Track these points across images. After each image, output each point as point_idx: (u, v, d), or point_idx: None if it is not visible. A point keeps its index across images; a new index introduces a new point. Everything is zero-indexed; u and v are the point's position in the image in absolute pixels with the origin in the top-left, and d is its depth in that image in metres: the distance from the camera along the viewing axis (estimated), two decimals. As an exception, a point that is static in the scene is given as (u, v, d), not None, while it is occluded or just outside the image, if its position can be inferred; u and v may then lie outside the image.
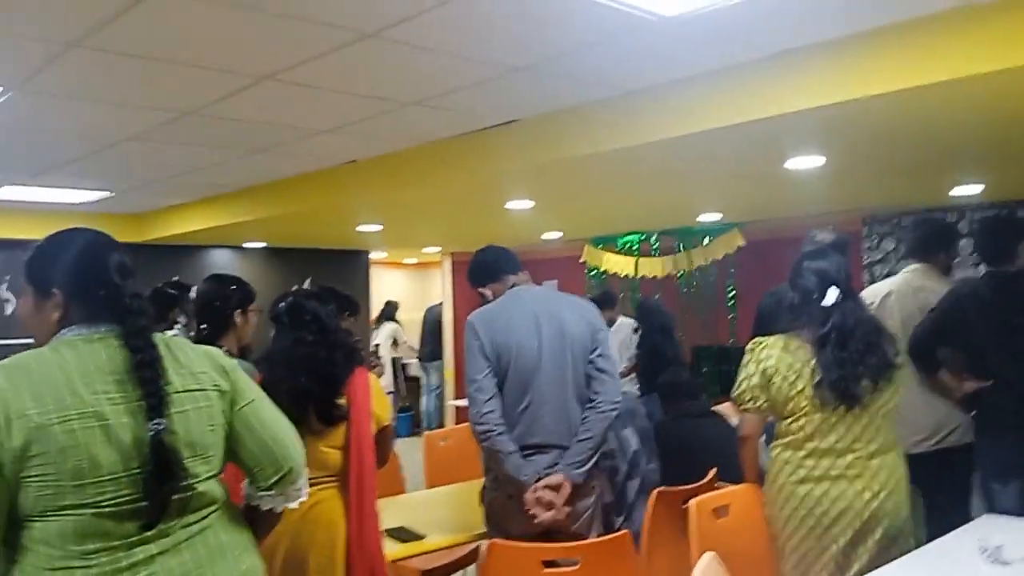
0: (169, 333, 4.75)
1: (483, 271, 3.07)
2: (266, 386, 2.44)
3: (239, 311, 2.95)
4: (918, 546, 2.63)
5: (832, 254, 2.82)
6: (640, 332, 6.16)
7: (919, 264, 3.71)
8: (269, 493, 1.76)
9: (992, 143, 3.87)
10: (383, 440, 2.73)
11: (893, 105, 2.91)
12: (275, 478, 1.74)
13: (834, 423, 2.62)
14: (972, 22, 2.50)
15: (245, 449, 1.72)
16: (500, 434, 2.75)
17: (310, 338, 2.61)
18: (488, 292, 3.03)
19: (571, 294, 3.09)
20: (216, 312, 2.95)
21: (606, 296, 6.72)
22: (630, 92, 3.42)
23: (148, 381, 1.54)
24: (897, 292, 3.64)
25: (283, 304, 2.71)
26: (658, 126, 3.39)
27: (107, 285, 1.62)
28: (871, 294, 3.71)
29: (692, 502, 2.67)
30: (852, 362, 2.60)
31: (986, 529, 2.58)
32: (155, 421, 1.51)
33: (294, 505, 1.81)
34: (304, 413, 2.50)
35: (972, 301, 3.31)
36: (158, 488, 1.51)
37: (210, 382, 1.66)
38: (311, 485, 2.46)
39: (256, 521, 1.79)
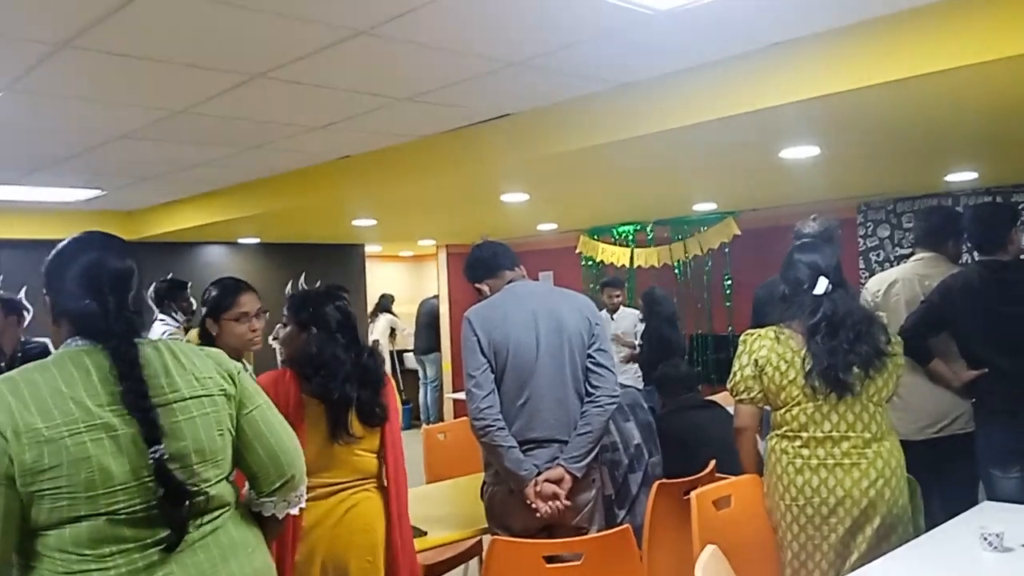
0: (163, 331, 4.79)
1: (479, 267, 3.07)
2: (314, 394, 2.45)
3: (211, 319, 2.88)
4: (917, 534, 2.65)
5: (823, 246, 2.83)
6: (645, 322, 6.18)
7: (927, 253, 3.71)
8: (271, 499, 1.76)
9: (985, 131, 3.88)
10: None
11: (886, 95, 2.91)
12: (278, 483, 1.75)
13: (827, 412, 2.64)
14: (964, 12, 2.50)
15: (253, 454, 1.72)
16: (499, 429, 2.76)
17: (349, 343, 2.57)
18: (485, 288, 3.03)
19: (567, 289, 3.09)
20: (202, 320, 2.92)
21: (617, 278, 6.99)
22: (625, 85, 3.42)
23: (138, 409, 1.51)
24: (903, 280, 3.64)
25: (325, 307, 2.60)
26: (652, 119, 3.38)
27: (104, 304, 1.59)
28: (877, 282, 3.72)
29: (693, 494, 2.68)
30: (842, 351, 2.61)
31: (987, 516, 2.59)
32: (152, 449, 1.50)
33: (295, 511, 1.81)
34: (347, 419, 2.48)
35: (962, 291, 3.32)
36: (173, 511, 1.53)
37: (216, 387, 1.66)
38: (344, 489, 2.49)
39: (260, 527, 1.79)
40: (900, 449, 2.72)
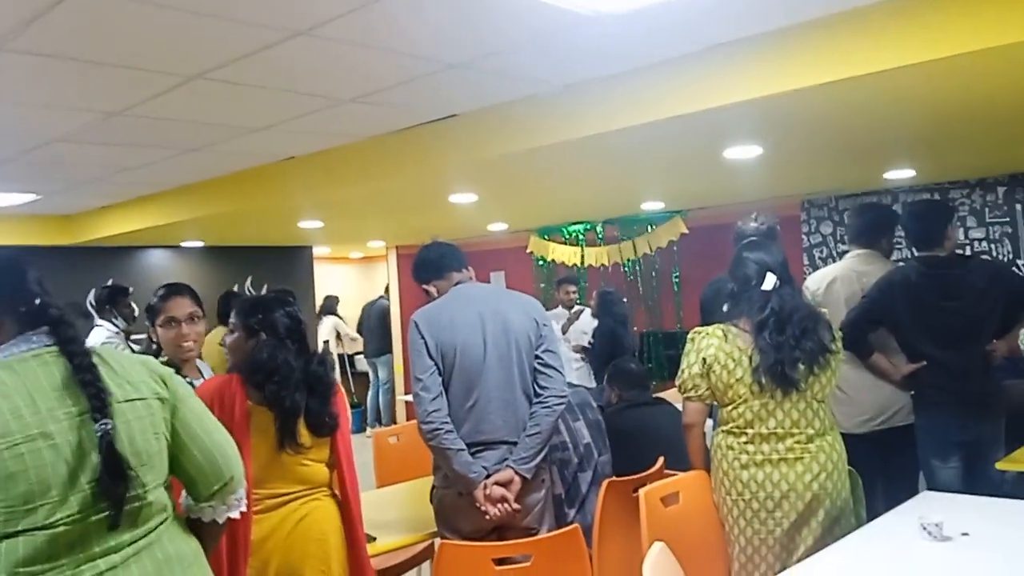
0: (104, 336, 4.68)
1: (427, 268, 3.05)
2: (262, 402, 2.40)
3: (150, 326, 2.85)
4: (859, 525, 2.71)
5: (770, 243, 2.88)
6: (598, 320, 6.23)
7: (862, 250, 3.79)
8: (210, 503, 1.74)
9: (923, 130, 3.98)
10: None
11: (828, 95, 2.96)
12: (217, 486, 1.73)
13: (772, 408, 2.68)
14: (904, 14, 2.56)
15: (189, 456, 1.70)
16: (447, 432, 2.75)
17: (299, 349, 2.51)
18: (432, 289, 3.01)
19: (514, 291, 3.09)
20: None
21: (572, 275, 7.38)
22: (569, 87, 3.43)
23: (89, 384, 1.52)
24: (842, 278, 3.71)
25: (275, 312, 2.53)
26: (596, 120, 3.40)
27: (29, 300, 1.59)
28: (817, 280, 3.79)
29: (641, 491, 2.70)
30: (789, 347, 2.66)
31: (926, 506, 2.66)
32: (101, 422, 1.49)
33: (235, 515, 1.78)
34: (295, 428, 2.42)
35: (901, 287, 3.40)
36: (113, 491, 1.50)
37: (150, 391, 1.64)
38: (296, 499, 2.45)
39: (200, 535, 1.75)
40: (841, 443, 2.77)
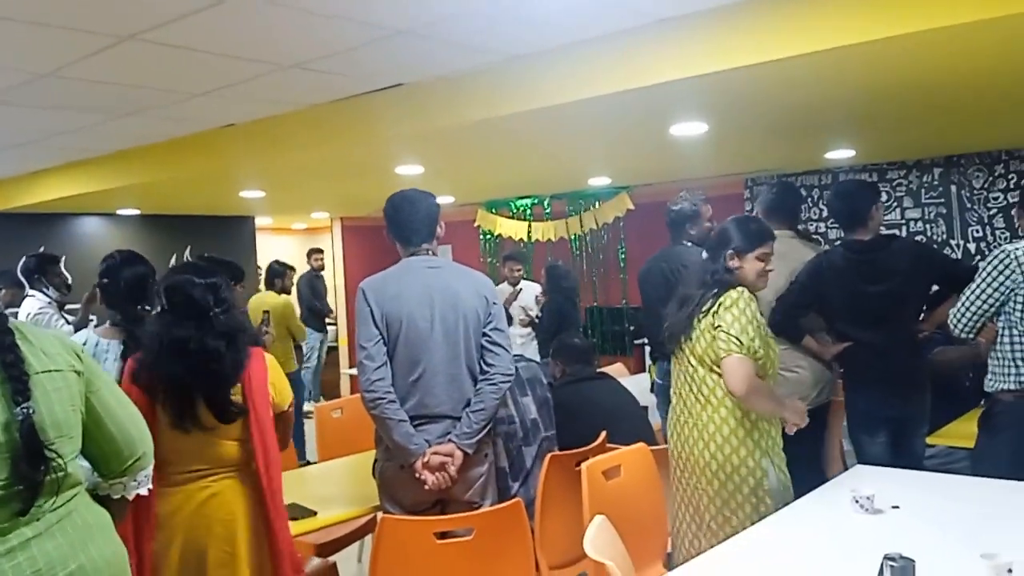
0: (36, 306, 4.52)
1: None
2: (143, 378, 2.31)
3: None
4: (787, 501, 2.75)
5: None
6: (548, 295, 6.23)
7: (776, 230, 3.78)
8: (121, 479, 1.76)
9: (863, 110, 4.05)
10: (283, 424, 2.58)
11: (771, 73, 2.99)
12: (129, 462, 1.75)
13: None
14: (844, -7, 2.59)
15: (103, 431, 1.71)
16: (389, 403, 2.73)
17: (202, 326, 2.34)
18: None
19: (465, 266, 3.06)
20: None
21: (519, 252, 7.26)
22: (515, 57, 3.39)
23: (9, 365, 1.52)
24: None
25: (182, 285, 2.38)
26: (543, 93, 3.38)
27: None
28: None
29: (584, 465, 2.72)
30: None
31: (857, 480, 2.73)
32: (23, 406, 1.50)
33: (144, 491, 1.80)
34: (192, 408, 2.32)
35: (828, 271, 3.45)
36: (31, 472, 1.50)
37: (66, 364, 1.65)
38: (205, 476, 2.37)
39: (108, 511, 1.75)
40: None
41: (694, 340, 2.74)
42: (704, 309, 2.72)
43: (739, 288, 2.73)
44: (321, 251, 9.16)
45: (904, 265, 3.35)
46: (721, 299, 2.69)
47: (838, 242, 3.81)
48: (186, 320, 2.35)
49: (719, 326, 2.65)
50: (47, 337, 1.67)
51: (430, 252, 2.95)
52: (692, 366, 2.76)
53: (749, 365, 2.62)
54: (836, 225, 6.37)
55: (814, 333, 3.57)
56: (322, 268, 9.04)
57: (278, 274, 6.68)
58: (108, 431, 1.71)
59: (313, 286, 8.96)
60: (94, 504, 1.70)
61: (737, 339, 2.62)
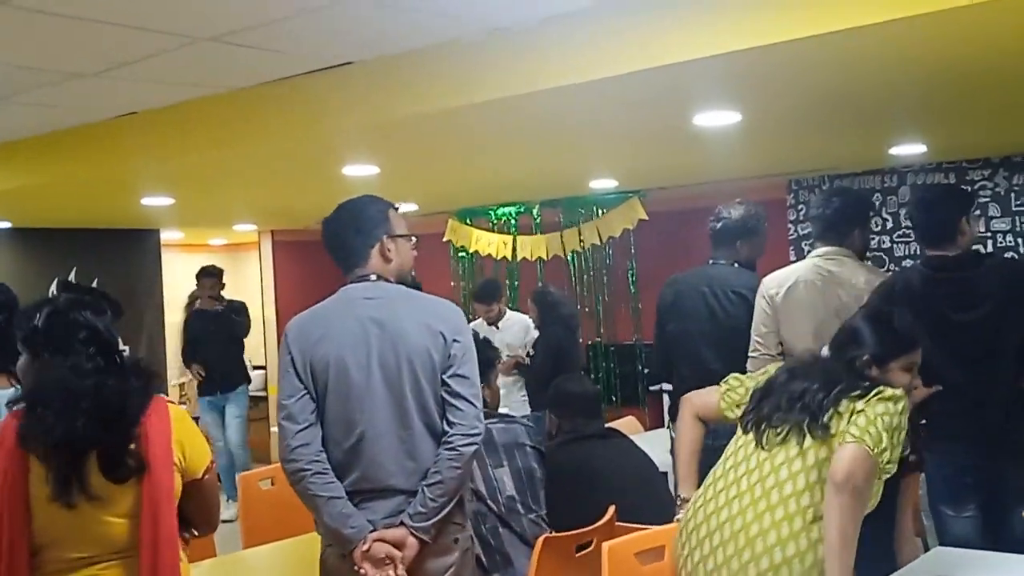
0: None
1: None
2: (26, 435, 2.31)
3: None
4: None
5: None
6: (540, 329, 6.21)
7: (829, 247, 3.83)
8: None
9: (934, 95, 4.10)
10: (201, 497, 2.56)
11: (817, 51, 3.03)
12: None
13: None
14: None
15: None
16: (316, 475, 2.71)
17: (89, 365, 2.38)
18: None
19: (422, 292, 3.06)
20: None
21: (488, 287, 6.77)
22: (497, 31, 3.42)
23: None
24: (805, 282, 3.75)
25: (41, 318, 2.42)
26: (534, 75, 3.41)
27: None
28: (775, 283, 3.80)
29: (605, 545, 2.70)
30: None
31: (939, 566, 2.74)
32: None
33: None
34: (81, 470, 2.31)
35: (904, 296, 3.47)
36: None
37: None
38: (88, 565, 2.36)
39: None
40: None
41: (825, 420, 2.63)
42: (853, 395, 2.69)
43: (901, 391, 2.68)
44: (216, 273, 7.76)
45: (1001, 289, 3.39)
46: (881, 389, 2.66)
47: (906, 261, 3.85)
48: (87, 362, 2.37)
49: (862, 410, 2.61)
50: None
51: (380, 278, 2.93)
52: (786, 458, 2.67)
53: (872, 467, 2.54)
54: (904, 239, 6.46)
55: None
56: (217, 298, 7.80)
57: None
58: None
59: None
60: None
61: (879, 435, 2.54)
